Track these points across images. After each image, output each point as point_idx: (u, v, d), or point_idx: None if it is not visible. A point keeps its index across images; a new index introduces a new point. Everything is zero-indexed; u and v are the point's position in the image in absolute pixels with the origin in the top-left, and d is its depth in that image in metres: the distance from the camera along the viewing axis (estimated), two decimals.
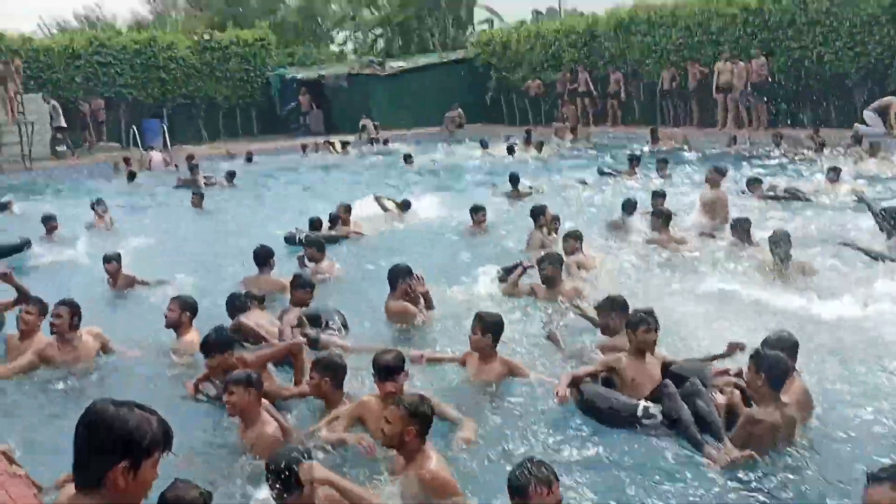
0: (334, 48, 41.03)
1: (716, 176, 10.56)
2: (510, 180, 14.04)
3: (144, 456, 2.34)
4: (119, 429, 2.32)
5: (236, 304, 6.85)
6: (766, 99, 19.77)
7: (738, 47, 20.37)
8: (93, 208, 12.85)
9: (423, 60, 30.12)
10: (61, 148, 23.47)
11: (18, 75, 20.97)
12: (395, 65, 29.41)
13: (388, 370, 4.94)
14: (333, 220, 11.33)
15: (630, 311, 5.77)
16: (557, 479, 3.64)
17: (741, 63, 19.81)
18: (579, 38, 24.91)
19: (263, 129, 28.88)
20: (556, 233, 9.70)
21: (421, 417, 4.17)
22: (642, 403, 5.01)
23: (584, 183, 14.39)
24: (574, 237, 8.72)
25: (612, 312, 6.06)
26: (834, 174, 12.61)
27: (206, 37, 28.56)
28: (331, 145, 23.44)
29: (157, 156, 21.09)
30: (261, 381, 4.84)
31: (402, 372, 5.01)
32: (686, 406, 4.84)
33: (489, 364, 5.78)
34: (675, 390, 4.94)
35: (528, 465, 3.64)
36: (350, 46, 41.46)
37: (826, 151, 15.69)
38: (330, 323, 6.84)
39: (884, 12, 17.78)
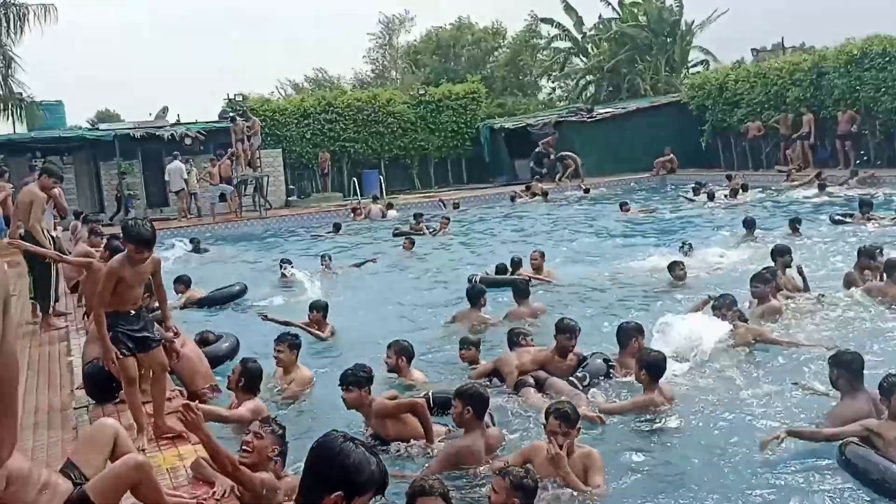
0: (542, 97, 41.65)
1: None
2: (745, 225, 13.51)
3: (359, 492, 2.49)
4: (340, 462, 2.49)
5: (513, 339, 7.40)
6: None
7: None
8: (322, 261, 13.74)
9: (632, 105, 29.67)
10: (292, 198, 25.66)
11: (258, 134, 23.18)
12: (604, 110, 29.20)
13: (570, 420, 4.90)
14: (515, 265, 11.49)
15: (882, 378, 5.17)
16: None
17: None
18: (805, 75, 23.35)
19: (472, 178, 29.75)
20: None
21: (525, 490, 4.19)
22: None
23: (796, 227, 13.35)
24: (763, 281, 8.29)
25: (835, 369, 5.57)
26: None
27: (422, 92, 30.08)
28: (530, 192, 23.63)
29: (374, 207, 22.36)
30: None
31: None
32: None
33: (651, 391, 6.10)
34: None
35: None
36: (559, 94, 41.93)
37: None
38: (587, 363, 6.90)
39: None
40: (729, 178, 22.31)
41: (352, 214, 21.84)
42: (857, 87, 21.64)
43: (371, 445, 2.65)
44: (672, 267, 10.60)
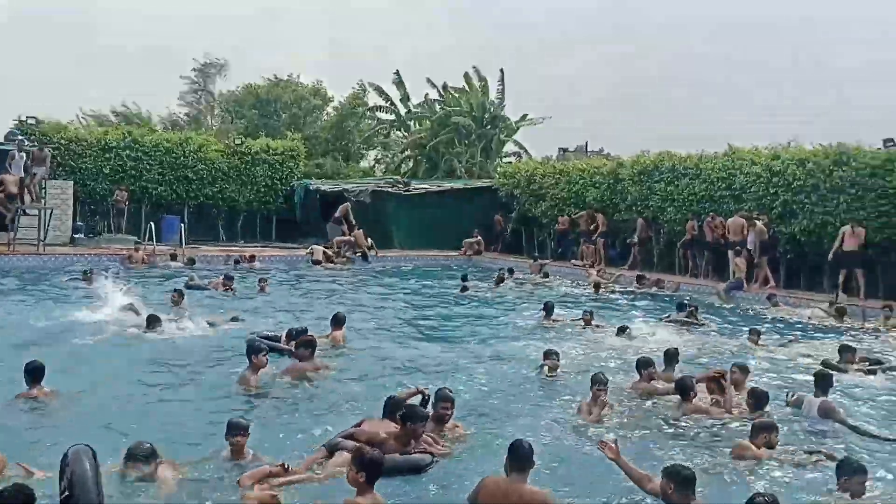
0: (364, 165, 41.89)
1: (739, 376, 9.18)
2: (545, 309, 14.49)
3: None
4: None
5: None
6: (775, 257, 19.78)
7: (761, 205, 20.35)
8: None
9: (447, 184, 30.49)
10: (79, 235, 23.59)
11: (44, 164, 21.24)
12: (420, 186, 29.76)
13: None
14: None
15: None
16: None
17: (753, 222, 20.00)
18: (604, 179, 25.14)
19: (280, 237, 28.98)
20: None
21: None
22: None
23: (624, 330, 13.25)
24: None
25: (670, 482, 5.48)
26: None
27: (238, 142, 29.14)
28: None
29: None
30: None
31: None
32: None
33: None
34: None
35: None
36: (379, 165, 42.39)
37: (847, 320, 15.33)
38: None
39: None
40: (535, 258, 23.76)
41: (127, 260, 20.47)
42: (648, 196, 23.56)
43: None
44: (547, 354, 10.19)
